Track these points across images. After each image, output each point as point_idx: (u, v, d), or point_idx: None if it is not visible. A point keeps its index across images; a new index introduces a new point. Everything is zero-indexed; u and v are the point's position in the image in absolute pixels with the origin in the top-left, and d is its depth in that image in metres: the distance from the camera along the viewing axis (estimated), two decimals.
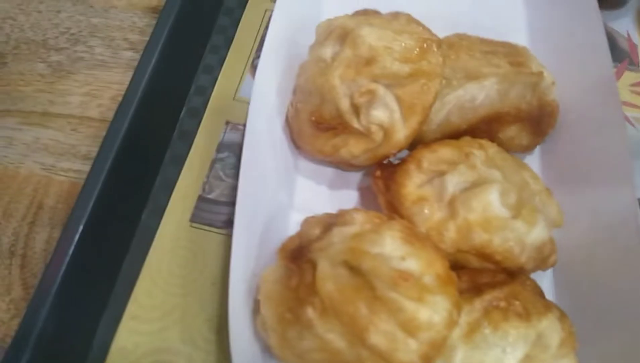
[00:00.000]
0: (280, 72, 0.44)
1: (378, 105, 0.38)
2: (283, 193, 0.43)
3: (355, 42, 0.37)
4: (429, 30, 0.39)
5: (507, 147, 0.42)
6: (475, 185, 0.35)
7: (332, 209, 0.43)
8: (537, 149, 0.46)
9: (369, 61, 0.37)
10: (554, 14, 0.49)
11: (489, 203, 0.35)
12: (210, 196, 0.44)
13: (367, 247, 0.30)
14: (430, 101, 0.38)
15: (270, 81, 0.43)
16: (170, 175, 0.45)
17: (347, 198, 0.44)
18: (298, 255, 0.34)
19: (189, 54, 0.51)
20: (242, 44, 0.51)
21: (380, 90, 0.37)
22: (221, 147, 0.46)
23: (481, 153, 0.37)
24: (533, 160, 0.46)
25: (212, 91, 0.49)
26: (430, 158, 0.37)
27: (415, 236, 0.32)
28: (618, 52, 0.52)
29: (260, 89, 0.41)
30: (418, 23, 0.39)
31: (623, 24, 0.54)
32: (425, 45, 0.37)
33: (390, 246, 0.31)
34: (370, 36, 0.37)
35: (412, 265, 0.30)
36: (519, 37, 0.51)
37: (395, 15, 0.40)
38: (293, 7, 0.46)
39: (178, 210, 0.43)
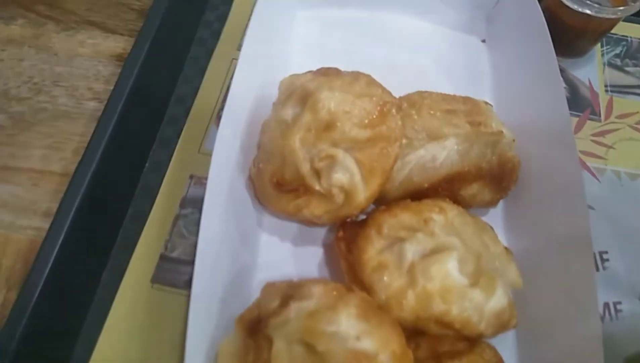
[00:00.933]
0: (244, 126, 0.44)
1: (338, 168, 0.38)
2: (246, 252, 0.42)
3: (315, 106, 0.37)
4: (388, 93, 0.39)
5: (469, 203, 0.43)
6: (434, 252, 0.35)
7: (297, 268, 0.43)
8: (501, 204, 0.46)
9: (329, 126, 0.37)
10: (516, 69, 0.50)
11: (447, 271, 0.35)
12: (172, 255, 0.43)
13: (323, 326, 0.30)
14: (390, 164, 0.38)
15: (233, 135, 0.43)
16: (131, 233, 0.44)
17: (312, 255, 0.44)
18: (255, 329, 0.33)
19: (154, 104, 0.50)
20: (207, 94, 0.51)
21: (340, 154, 0.37)
22: (185, 202, 0.45)
23: (441, 217, 0.37)
24: (497, 214, 0.46)
25: (176, 143, 0.48)
26: (391, 222, 0.37)
27: (372, 311, 0.32)
28: (580, 101, 0.53)
29: (223, 144, 0.40)
30: (378, 85, 0.39)
31: (585, 72, 0.55)
32: (384, 108, 0.38)
33: (346, 324, 0.30)
34: (330, 101, 0.37)
35: (367, 344, 0.30)
36: (484, 91, 0.52)
37: (356, 76, 0.40)
38: (258, 58, 0.46)
39: (139, 270, 0.42)
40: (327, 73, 0.41)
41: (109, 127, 0.45)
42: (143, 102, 0.49)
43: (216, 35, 0.54)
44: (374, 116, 0.37)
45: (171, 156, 0.47)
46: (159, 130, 0.49)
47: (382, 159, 0.38)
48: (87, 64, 0.53)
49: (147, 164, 0.47)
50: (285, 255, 0.44)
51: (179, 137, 0.48)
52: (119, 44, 0.55)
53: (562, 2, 0.49)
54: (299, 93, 0.39)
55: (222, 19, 0.55)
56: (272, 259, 0.43)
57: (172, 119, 0.50)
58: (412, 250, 0.36)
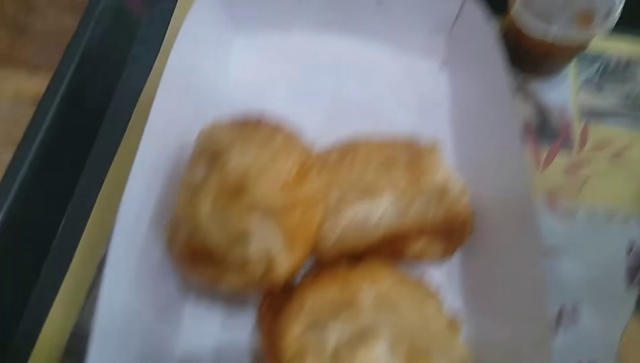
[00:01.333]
0: (162, 177, 0.39)
1: (253, 238, 0.33)
2: (163, 325, 0.38)
3: (225, 167, 0.33)
4: (308, 150, 0.34)
5: (419, 258, 0.38)
6: (361, 336, 0.30)
7: (226, 339, 0.39)
8: (459, 254, 0.41)
9: (241, 190, 0.32)
10: (474, 99, 0.44)
11: (375, 359, 0.30)
12: (85, 332, 0.39)
13: None
14: (313, 230, 0.33)
15: (147, 188, 0.37)
16: (40, 303, 0.40)
17: (245, 321, 0.39)
18: None
19: (73, 150, 0.46)
20: (135, 136, 0.45)
21: (254, 223, 0.32)
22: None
23: (372, 290, 0.32)
24: (454, 265, 0.41)
25: (97, 195, 0.43)
26: (314, 299, 0.32)
27: None
28: (551, 129, 0.47)
29: (133, 198, 0.35)
30: (297, 141, 0.34)
31: (557, 95, 0.49)
32: (303, 168, 0.33)
33: None
34: (242, 161, 0.32)
35: None
36: (441, 123, 0.47)
37: (275, 130, 0.35)
38: (182, 94, 0.41)
39: (46, 352, 0.38)
40: (246, 125, 0.36)
41: (18, 178, 0.41)
42: (60, 149, 0.44)
43: (147, 69, 0.49)
44: (292, 178, 0.32)
45: (91, 208, 0.43)
46: (77, 180, 0.44)
47: (303, 226, 0.33)
48: (6, 108, 0.48)
49: (63, 222, 0.43)
50: (213, 324, 0.39)
51: (100, 186, 0.44)
52: (45, 84, 0.50)
53: (519, 28, 0.44)
54: (211, 151, 0.34)
55: (154, 51, 0.50)
56: (197, 331, 0.39)
57: (93, 168, 0.45)
58: (336, 333, 0.31)
